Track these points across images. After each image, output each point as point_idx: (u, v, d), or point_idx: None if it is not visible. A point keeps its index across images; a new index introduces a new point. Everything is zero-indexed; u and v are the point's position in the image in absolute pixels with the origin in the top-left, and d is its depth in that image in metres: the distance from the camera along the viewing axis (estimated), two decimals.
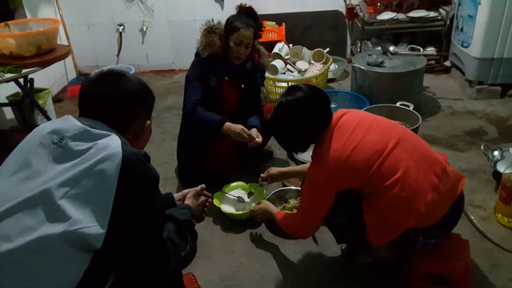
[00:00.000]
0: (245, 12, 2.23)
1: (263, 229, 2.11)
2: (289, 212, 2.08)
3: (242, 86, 2.39)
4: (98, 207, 1.01)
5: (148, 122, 1.27)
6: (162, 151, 2.86)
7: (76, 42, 4.14)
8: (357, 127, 1.54)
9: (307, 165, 2.01)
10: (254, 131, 2.27)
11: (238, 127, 2.20)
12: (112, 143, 1.07)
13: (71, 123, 1.12)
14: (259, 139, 2.24)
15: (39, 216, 0.99)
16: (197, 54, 2.27)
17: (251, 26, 2.17)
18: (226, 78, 2.30)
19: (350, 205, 1.60)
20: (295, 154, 2.58)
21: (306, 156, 2.62)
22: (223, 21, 2.25)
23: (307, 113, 1.56)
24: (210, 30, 2.21)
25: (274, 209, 1.95)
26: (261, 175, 2.17)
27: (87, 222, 0.99)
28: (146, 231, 1.13)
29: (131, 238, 1.09)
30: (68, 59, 4.03)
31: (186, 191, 1.62)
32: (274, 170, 2.14)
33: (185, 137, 2.44)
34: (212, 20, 2.25)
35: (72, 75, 4.25)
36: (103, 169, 1.03)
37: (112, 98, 1.17)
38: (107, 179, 1.02)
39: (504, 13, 2.96)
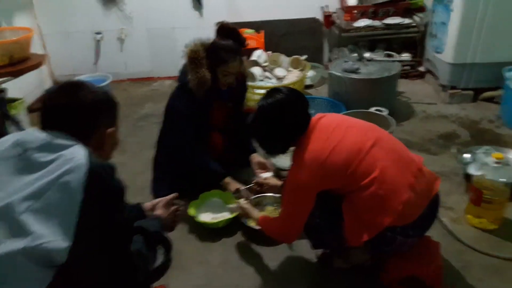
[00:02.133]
0: (227, 33, 2.12)
1: (239, 237, 2.10)
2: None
3: (230, 104, 2.38)
4: (62, 220, 0.99)
5: (111, 130, 1.24)
6: (138, 161, 2.84)
7: (53, 50, 4.10)
8: (336, 129, 1.57)
9: None
10: (258, 159, 2.29)
11: (232, 190, 2.17)
12: (77, 155, 1.05)
13: (34, 134, 1.11)
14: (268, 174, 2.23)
15: (1, 232, 0.97)
16: (186, 88, 2.11)
17: (238, 53, 2.11)
18: (214, 104, 2.28)
19: (329, 206, 1.62)
20: (273, 159, 2.57)
21: (284, 162, 2.64)
22: (201, 33, 2.18)
23: (287, 115, 1.59)
24: (196, 62, 2.07)
25: (255, 213, 1.93)
26: (258, 180, 2.16)
27: (50, 236, 0.97)
28: (112, 244, 1.12)
29: (96, 251, 1.07)
30: (44, 68, 3.98)
31: (156, 200, 1.61)
32: (273, 181, 2.14)
33: (162, 151, 2.41)
34: (194, 45, 2.09)
35: (48, 84, 4.19)
36: (68, 181, 1.01)
37: (71, 108, 1.16)
38: (72, 192, 1.01)
39: (476, 19, 3.04)
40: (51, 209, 1.00)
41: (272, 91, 1.64)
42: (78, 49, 4.21)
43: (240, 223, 2.11)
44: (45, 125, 1.18)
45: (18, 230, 0.97)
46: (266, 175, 2.26)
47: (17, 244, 0.96)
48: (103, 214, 1.08)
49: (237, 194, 2.16)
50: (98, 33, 4.15)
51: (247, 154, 2.39)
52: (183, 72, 2.17)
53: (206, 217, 2.17)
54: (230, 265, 1.94)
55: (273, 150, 1.71)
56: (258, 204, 2.25)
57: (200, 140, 2.21)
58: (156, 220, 1.45)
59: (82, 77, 4.09)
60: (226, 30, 2.13)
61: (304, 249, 1.94)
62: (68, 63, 4.24)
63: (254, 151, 2.40)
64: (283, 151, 1.70)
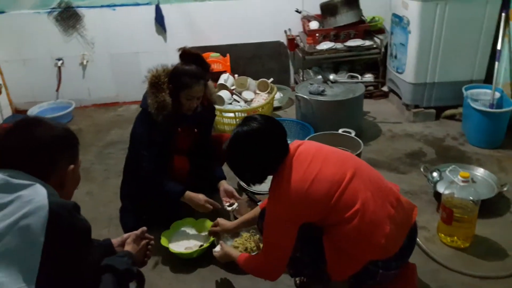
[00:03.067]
0: (190, 59, 2.11)
1: (214, 267, 2.03)
2: (248, 251, 2.03)
3: (195, 130, 2.34)
4: (24, 266, 0.94)
5: (71, 167, 1.19)
6: (106, 189, 2.74)
7: (11, 78, 3.95)
8: (314, 158, 1.53)
9: (255, 211, 1.97)
10: (225, 186, 2.29)
11: (201, 199, 2.12)
12: (37, 196, 1.00)
13: None
14: (233, 205, 2.25)
15: None
16: (146, 113, 2.10)
17: (201, 77, 2.09)
18: (180, 129, 2.24)
19: (309, 240, 1.57)
20: (248, 187, 2.52)
21: (257, 187, 2.61)
22: (165, 58, 2.17)
23: (263, 144, 1.54)
24: (157, 86, 2.06)
25: (235, 252, 1.86)
26: (209, 230, 2.09)
27: (11, 284, 0.91)
28: (79, 286, 1.05)
29: None
30: (3, 97, 3.82)
31: (125, 235, 1.53)
32: (221, 228, 2.05)
33: (129, 179, 2.33)
34: (156, 70, 2.10)
35: (7, 112, 4.01)
36: (28, 224, 0.96)
37: (27, 147, 1.11)
38: (33, 235, 0.95)
39: (432, 40, 3.17)
40: (10, 255, 0.94)
41: (247, 119, 1.59)
42: (38, 76, 4.06)
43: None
44: (1, 165, 1.11)
45: None
46: (232, 206, 2.25)
47: None
48: (67, 256, 1.03)
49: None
50: (58, 59, 4.03)
51: (214, 180, 2.35)
52: (145, 97, 2.14)
53: (179, 247, 2.10)
54: None
55: (250, 179, 1.64)
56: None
57: (161, 165, 2.15)
58: (126, 257, 1.38)
59: (44, 104, 3.97)
60: (189, 55, 2.12)
61: (283, 276, 1.89)
62: (28, 91, 4.09)
63: (222, 177, 2.37)
64: (260, 180, 1.63)
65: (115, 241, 1.53)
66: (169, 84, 2.09)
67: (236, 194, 2.28)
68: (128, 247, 1.47)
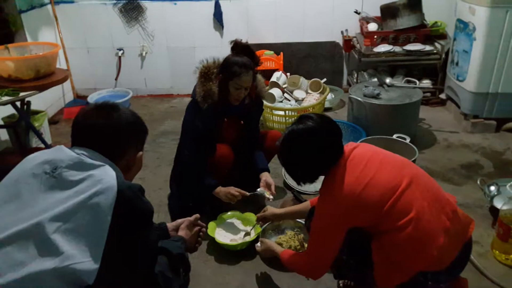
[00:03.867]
0: (241, 50, 2.17)
1: (258, 260, 2.06)
2: (293, 248, 2.03)
3: (242, 122, 2.38)
4: (91, 242, 0.99)
5: (140, 153, 1.28)
6: (157, 177, 2.84)
7: (75, 64, 4.15)
8: (369, 162, 1.49)
9: (304, 205, 1.98)
10: (269, 180, 2.27)
11: (229, 192, 2.17)
12: (107, 176, 1.06)
13: (64, 153, 1.11)
14: (271, 195, 2.22)
15: (30, 250, 0.97)
16: (195, 101, 2.20)
17: (250, 68, 2.13)
18: (226, 120, 2.29)
19: (357, 244, 1.54)
20: (298, 186, 2.49)
21: (307, 187, 2.60)
22: (221, 53, 2.23)
23: (317, 143, 1.52)
24: (206, 77, 2.16)
25: (278, 247, 1.87)
26: (257, 215, 2.12)
27: (80, 257, 0.97)
28: (138, 265, 1.11)
29: (123, 273, 1.06)
30: (67, 82, 4.03)
31: (180, 221, 1.59)
32: (269, 212, 2.08)
33: (179, 169, 2.41)
34: (206, 61, 2.21)
35: (70, 97, 4.25)
36: (97, 203, 1.01)
37: (106, 129, 1.18)
38: (102, 214, 1.01)
39: (499, 49, 3.02)
40: (80, 230, 1.00)
41: (303, 117, 1.58)
42: (99, 64, 4.28)
43: None
44: (76, 142, 1.19)
45: (48, 249, 0.97)
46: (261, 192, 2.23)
47: (47, 263, 0.95)
48: (131, 235, 1.07)
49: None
50: (119, 49, 4.22)
51: (255, 174, 2.36)
52: (195, 87, 2.23)
53: (225, 239, 2.15)
54: None
55: (301, 178, 1.63)
56: (277, 228, 2.23)
57: (202, 154, 2.21)
58: (180, 241, 1.43)
59: (103, 92, 4.16)
60: (240, 47, 2.18)
61: (325, 277, 1.89)
62: (89, 78, 4.31)
63: (266, 169, 2.36)
64: (311, 180, 1.62)
65: (169, 225, 1.59)
66: (219, 74, 2.15)
67: (273, 188, 2.26)
68: (181, 232, 1.53)
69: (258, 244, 1.96)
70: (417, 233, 1.41)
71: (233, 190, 2.18)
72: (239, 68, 2.10)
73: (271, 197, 2.23)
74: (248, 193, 2.21)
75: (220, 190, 2.19)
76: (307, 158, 1.55)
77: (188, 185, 2.27)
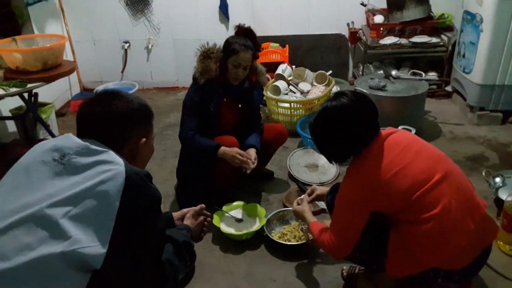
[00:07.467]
0: (244, 33, 2.24)
1: (262, 250, 2.08)
2: (297, 240, 2.05)
3: (240, 106, 2.39)
4: (99, 227, 1.00)
5: (144, 140, 1.25)
6: (163, 168, 2.86)
7: (82, 57, 4.18)
8: (404, 149, 1.46)
9: None
10: (251, 152, 2.25)
11: (233, 151, 2.17)
12: (115, 162, 1.06)
13: (72, 140, 1.13)
14: (253, 164, 2.20)
15: (38, 234, 0.98)
16: (194, 79, 2.27)
17: (250, 48, 2.18)
18: (225, 99, 2.31)
19: (374, 229, 1.52)
20: (302, 178, 2.45)
21: (307, 177, 2.62)
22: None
23: (351, 120, 1.47)
24: (205, 55, 2.23)
25: (310, 217, 1.80)
26: (307, 192, 2.00)
27: (87, 242, 0.98)
28: (146, 252, 1.12)
29: (130, 258, 1.07)
30: (73, 74, 4.05)
31: (185, 210, 1.61)
32: (321, 190, 1.96)
33: (184, 159, 2.43)
34: (207, 44, 2.27)
35: (76, 89, 4.28)
36: (105, 189, 1.02)
37: (104, 117, 1.18)
38: (110, 200, 1.02)
39: (506, 40, 3.00)
40: (88, 215, 1.01)
41: (338, 94, 1.53)
42: (106, 56, 4.30)
43: (264, 237, 2.10)
44: (80, 133, 1.20)
45: (56, 234, 0.98)
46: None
47: (55, 247, 0.96)
48: (139, 222, 1.08)
49: None
50: (126, 42, 4.23)
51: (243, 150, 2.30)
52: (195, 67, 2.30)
53: (230, 228, 2.16)
54: (253, 278, 1.92)
55: (333, 156, 1.59)
56: (281, 219, 2.24)
57: (200, 129, 2.23)
58: (185, 230, 1.45)
59: (109, 84, 4.18)
60: (243, 30, 2.26)
61: (329, 266, 1.92)
62: (96, 70, 4.34)
63: (251, 147, 2.30)
64: (343, 159, 1.59)
65: (175, 214, 1.60)
66: (221, 53, 2.22)
67: (254, 159, 2.22)
68: (187, 221, 1.54)
69: (298, 200, 1.91)
70: (436, 230, 1.39)
71: (237, 154, 2.15)
72: (239, 46, 2.16)
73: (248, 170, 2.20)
74: (251, 160, 2.19)
75: (225, 151, 2.17)
76: (339, 135, 1.50)
77: (192, 154, 2.29)
